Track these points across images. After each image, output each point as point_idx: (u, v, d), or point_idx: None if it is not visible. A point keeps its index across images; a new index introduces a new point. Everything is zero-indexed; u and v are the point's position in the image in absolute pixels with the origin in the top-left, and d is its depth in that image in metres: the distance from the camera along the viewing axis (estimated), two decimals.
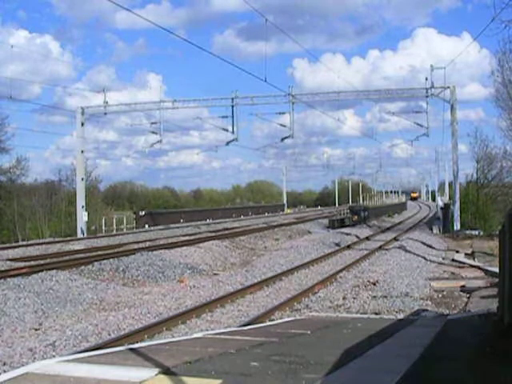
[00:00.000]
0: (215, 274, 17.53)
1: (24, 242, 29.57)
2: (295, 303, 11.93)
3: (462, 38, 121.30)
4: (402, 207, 76.98)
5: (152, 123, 36.44)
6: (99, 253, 19.97)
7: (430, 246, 23.73)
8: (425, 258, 19.48)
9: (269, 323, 9.43)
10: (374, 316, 10.26)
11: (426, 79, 32.75)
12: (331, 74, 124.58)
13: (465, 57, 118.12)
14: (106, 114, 36.70)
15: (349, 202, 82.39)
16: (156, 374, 4.83)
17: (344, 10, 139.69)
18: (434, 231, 33.37)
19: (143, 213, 44.88)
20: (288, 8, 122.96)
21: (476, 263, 17.79)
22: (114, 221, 42.90)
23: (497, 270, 10.08)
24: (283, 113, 35.38)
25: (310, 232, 34.39)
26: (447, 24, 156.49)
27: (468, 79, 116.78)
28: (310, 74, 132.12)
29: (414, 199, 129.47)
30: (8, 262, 16.97)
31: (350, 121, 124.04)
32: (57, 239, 30.39)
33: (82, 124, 36.25)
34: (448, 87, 32.76)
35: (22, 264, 16.64)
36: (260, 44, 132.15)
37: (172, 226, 38.75)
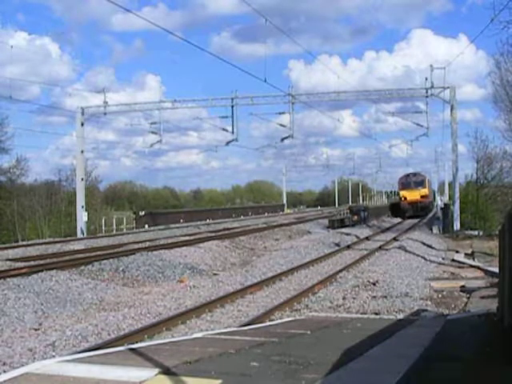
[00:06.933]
0: (215, 274, 17.52)
1: (24, 242, 29.57)
2: (295, 303, 11.92)
3: (458, 40, 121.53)
4: None
5: (152, 123, 36.50)
6: (99, 253, 19.95)
7: (429, 246, 23.73)
8: (424, 258, 19.48)
9: (269, 323, 9.43)
10: (373, 316, 10.26)
11: (426, 79, 32.71)
12: (326, 76, 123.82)
13: (460, 58, 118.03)
14: (105, 114, 36.74)
15: (349, 202, 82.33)
16: (156, 374, 4.83)
17: (338, 12, 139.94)
18: (434, 231, 33.39)
19: (143, 213, 44.90)
20: (282, 10, 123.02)
21: (476, 263, 17.80)
22: (114, 221, 42.93)
23: (497, 270, 10.09)
24: (283, 113, 35.43)
25: (309, 232, 34.38)
26: (441, 26, 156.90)
27: (464, 80, 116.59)
28: (306, 75, 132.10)
29: (412, 207, 49.20)
30: (8, 262, 16.95)
31: (348, 121, 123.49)
32: (57, 239, 30.39)
33: (82, 124, 36.28)
34: (448, 87, 32.75)
35: (21, 264, 16.62)
36: (255, 46, 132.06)
37: (172, 226, 38.75)
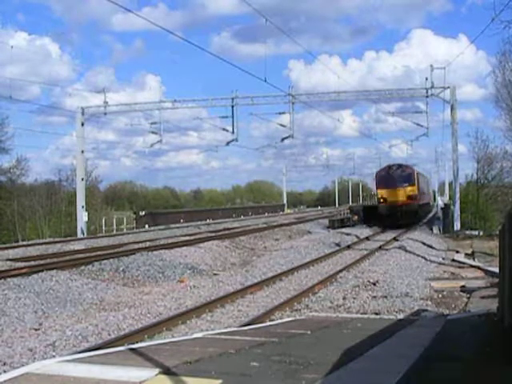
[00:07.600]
0: (215, 274, 17.53)
1: (24, 242, 29.59)
2: (295, 303, 11.92)
3: (458, 40, 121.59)
4: None
5: (152, 123, 36.51)
6: (99, 253, 19.96)
7: (430, 246, 23.72)
8: (425, 258, 19.48)
9: (269, 323, 9.43)
10: (374, 316, 10.25)
11: (426, 79, 32.72)
12: (326, 76, 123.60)
13: (460, 58, 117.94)
14: (105, 114, 36.73)
15: (349, 202, 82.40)
16: (156, 374, 4.83)
17: (338, 12, 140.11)
18: (434, 231, 33.31)
19: (143, 213, 44.96)
20: (282, 10, 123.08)
21: (476, 263, 17.80)
22: (114, 221, 42.95)
23: (497, 270, 10.10)
24: (283, 113, 35.42)
25: (310, 232, 34.39)
26: (441, 26, 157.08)
27: (464, 80, 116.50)
28: (306, 75, 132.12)
29: (396, 212, 32.99)
30: (8, 262, 16.97)
31: (348, 121, 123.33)
32: (57, 239, 30.40)
33: (82, 124, 36.28)
34: (448, 87, 32.71)
35: (22, 264, 16.63)
36: (255, 46, 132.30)
37: (172, 226, 38.78)
